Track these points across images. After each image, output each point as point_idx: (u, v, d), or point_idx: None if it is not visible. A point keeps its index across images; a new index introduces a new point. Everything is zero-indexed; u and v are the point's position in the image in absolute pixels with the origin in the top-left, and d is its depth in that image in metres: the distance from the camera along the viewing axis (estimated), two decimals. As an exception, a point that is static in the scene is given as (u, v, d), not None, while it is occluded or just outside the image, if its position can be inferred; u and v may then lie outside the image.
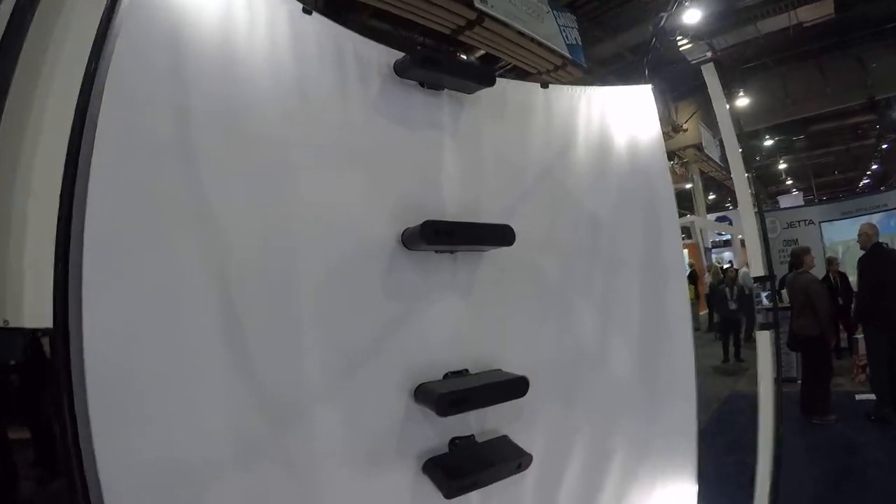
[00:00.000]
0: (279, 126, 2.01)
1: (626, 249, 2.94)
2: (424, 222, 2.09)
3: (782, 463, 2.99)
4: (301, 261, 2.00)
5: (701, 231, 18.75)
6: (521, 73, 11.42)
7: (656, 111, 3.19)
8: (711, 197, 26.59)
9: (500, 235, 2.29)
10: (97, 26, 1.63)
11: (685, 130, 16.64)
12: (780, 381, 3.07)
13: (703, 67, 3.35)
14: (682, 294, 3.05)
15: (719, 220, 23.37)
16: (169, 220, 1.72)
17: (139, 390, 1.61)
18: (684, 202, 22.47)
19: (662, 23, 3.73)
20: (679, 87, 15.60)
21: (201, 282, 1.77)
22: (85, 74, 1.59)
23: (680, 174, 19.10)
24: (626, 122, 3.06)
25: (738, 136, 3.26)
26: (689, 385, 3.03)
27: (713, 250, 21.85)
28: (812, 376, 7.08)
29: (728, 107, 3.29)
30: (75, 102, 1.57)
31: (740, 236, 22.45)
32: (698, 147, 17.35)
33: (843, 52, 14.85)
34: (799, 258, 7.31)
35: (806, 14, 11.48)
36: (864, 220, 10.61)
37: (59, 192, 1.52)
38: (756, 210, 3.11)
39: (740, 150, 3.19)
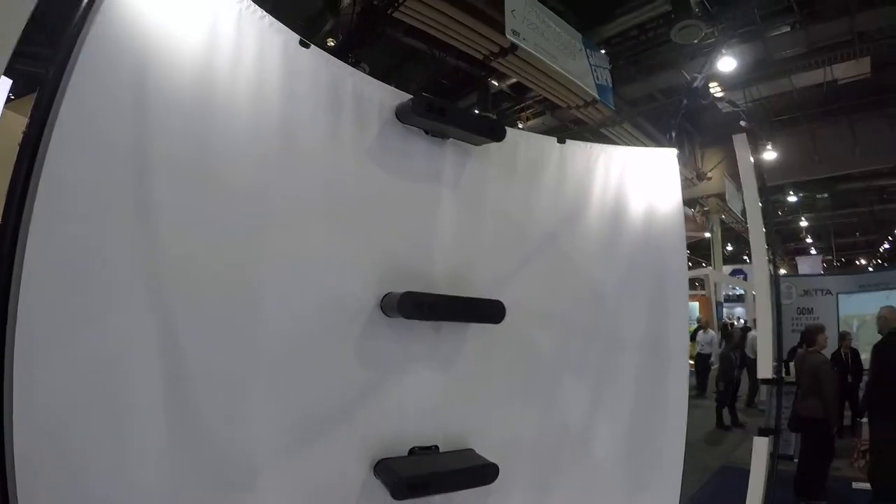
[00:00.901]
0: (256, 174, 1.83)
1: (629, 328, 2.72)
2: (403, 294, 1.92)
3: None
4: (264, 321, 1.82)
5: (715, 284, 18.47)
6: (550, 104, 11.29)
7: (679, 178, 2.98)
8: (729, 248, 26.28)
9: (489, 313, 2.12)
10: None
11: (709, 179, 16.39)
12: (773, 490, 2.83)
13: (734, 138, 3.18)
14: (682, 380, 2.83)
15: (735, 272, 23.03)
16: (117, 281, 1.55)
17: (68, 458, 1.47)
18: (701, 251, 22.20)
19: (696, 83, 3.54)
20: (707, 133, 15.40)
21: (147, 346, 1.60)
22: (34, 110, 1.42)
23: (700, 223, 18.84)
24: (645, 188, 2.83)
25: (762, 209, 3.05)
26: (675, 477, 2.80)
27: (725, 304, 21.55)
28: (810, 458, 6.81)
29: (757, 185, 3.08)
30: (19, 141, 1.40)
31: (754, 293, 22.21)
32: (721, 197, 17.08)
33: (876, 113, 14.57)
34: (812, 336, 7.03)
35: (842, 71, 11.29)
36: (882, 295, 10.31)
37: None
38: (774, 316, 2.89)
39: (766, 246, 2.97)
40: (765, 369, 2.80)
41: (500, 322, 2.11)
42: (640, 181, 2.83)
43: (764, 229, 3.01)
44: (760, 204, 3.03)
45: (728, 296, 23.24)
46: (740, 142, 3.13)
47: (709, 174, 16.36)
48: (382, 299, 2.04)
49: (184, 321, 1.66)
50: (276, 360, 1.84)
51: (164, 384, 1.62)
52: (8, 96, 4.38)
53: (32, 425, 1.39)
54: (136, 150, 1.59)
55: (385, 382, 2.09)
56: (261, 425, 1.81)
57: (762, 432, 2.80)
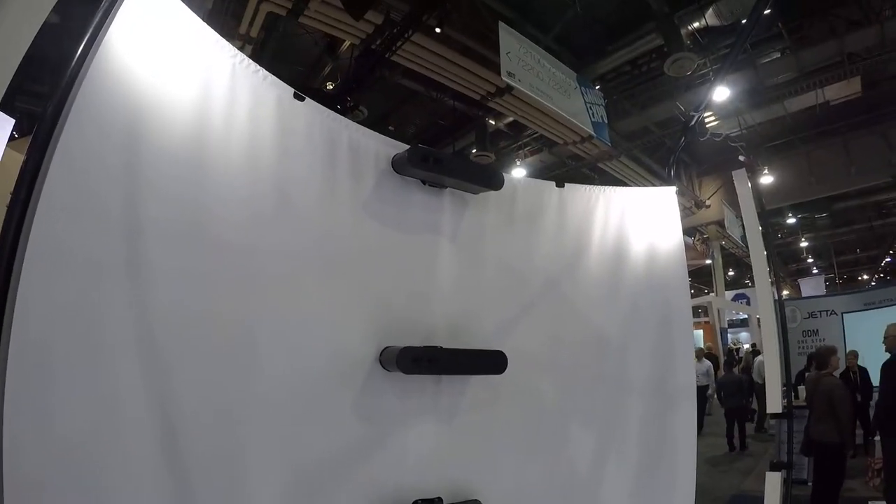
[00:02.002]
0: (250, 232, 1.81)
1: (635, 371, 2.68)
2: (402, 350, 1.89)
3: None
4: (259, 379, 1.79)
5: (718, 311, 18.37)
6: (548, 142, 11.37)
7: (679, 216, 2.97)
8: (730, 273, 26.20)
9: (491, 364, 2.08)
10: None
11: (708, 206, 16.44)
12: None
13: (734, 173, 3.19)
14: (690, 422, 2.78)
15: (737, 297, 22.93)
16: (107, 341, 1.52)
17: None
18: (703, 278, 22.10)
19: (692, 123, 3.56)
20: (704, 162, 15.48)
21: (139, 403, 1.56)
22: (21, 174, 1.40)
23: (700, 251, 18.80)
24: (645, 228, 2.82)
25: (764, 237, 3.04)
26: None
27: (730, 329, 21.37)
28: (825, 482, 6.70)
29: (756, 215, 3.07)
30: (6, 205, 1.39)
31: (758, 316, 22.11)
32: (720, 224, 17.11)
33: (869, 130, 14.66)
34: (825, 359, 6.91)
35: (833, 93, 11.39)
36: (889, 311, 10.25)
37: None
38: (780, 349, 2.85)
39: (770, 276, 2.95)
40: (774, 404, 2.75)
41: (502, 373, 2.07)
42: (641, 222, 2.82)
43: (766, 254, 2.98)
44: (761, 229, 3.01)
45: (732, 321, 23.05)
46: (740, 177, 3.14)
47: (707, 202, 16.42)
48: (381, 353, 2.00)
49: (178, 378, 1.63)
50: (272, 414, 1.80)
51: (159, 440, 1.58)
52: (11, 134, 4.38)
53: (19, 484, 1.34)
54: (127, 213, 1.57)
55: (385, 436, 2.04)
56: (259, 479, 1.76)
57: (774, 467, 2.74)
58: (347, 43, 8.45)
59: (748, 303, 21.84)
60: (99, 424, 1.49)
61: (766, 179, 14.74)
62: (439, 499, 2.10)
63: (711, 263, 19.18)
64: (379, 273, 2.09)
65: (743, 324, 24.31)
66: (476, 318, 2.27)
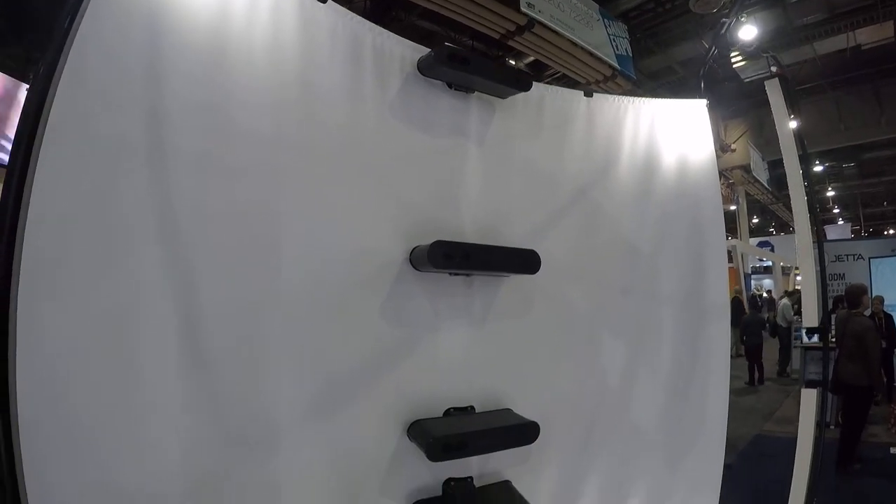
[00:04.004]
0: (275, 121, 1.75)
1: (666, 283, 2.63)
2: (434, 243, 1.82)
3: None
4: (285, 277, 1.75)
5: (742, 256, 18.18)
6: (569, 82, 11.15)
7: (710, 129, 2.87)
8: (755, 221, 25.88)
9: (524, 262, 2.02)
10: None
11: (733, 150, 16.12)
12: (821, 446, 2.71)
13: (766, 83, 3.03)
14: (723, 336, 2.74)
15: (761, 245, 22.69)
16: (126, 232, 1.49)
17: (77, 419, 1.40)
18: (727, 224, 21.87)
19: (724, 30, 3.40)
20: (730, 105, 15.12)
21: (159, 300, 1.54)
22: (42, 52, 1.36)
23: (725, 195, 18.51)
24: (676, 140, 2.74)
25: (800, 157, 2.93)
26: (719, 439, 2.72)
27: (753, 276, 21.20)
28: (850, 425, 6.65)
29: (793, 126, 2.95)
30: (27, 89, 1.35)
31: (782, 263, 21.91)
32: (746, 168, 16.78)
33: (901, 78, 14.27)
34: (857, 297, 6.72)
35: (865, 36, 10.99)
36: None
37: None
38: (815, 245, 2.76)
39: (803, 175, 2.84)
40: (810, 318, 2.68)
41: (536, 272, 2.01)
42: (671, 133, 2.73)
43: (799, 165, 2.87)
44: (796, 147, 2.89)
45: (755, 268, 22.85)
46: (773, 87, 2.99)
47: (733, 146, 16.11)
48: (411, 253, 1.95)
49: (200, 271, 1.60)
50: (298, 315, 1.76)
51: (180, 338, 1.56)
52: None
53: (37, 380, 1.34)
54: (150, 92, 1.53)
55: (416, 340, 2.00)
56: (285, 384, 1.74)
57: (810, 384, 2.68)
58: (362, -17, 8.27)
59: (772, 250, 21.63)
60: (119, 308, 1.46)
61: (793, 124, 14.37)
62: (472, 407, 2.09)
63: (736, 209, 18.94)
64: (406, 175, 2.03)
65: (766, 271, 24.09)
66: (505, 222, 2.21)
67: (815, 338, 7.59)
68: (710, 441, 2.71)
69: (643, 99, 2.75)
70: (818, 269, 2.72)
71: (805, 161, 2.93)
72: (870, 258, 12.42)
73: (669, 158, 2.71)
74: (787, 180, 2.98)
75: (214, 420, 1.61)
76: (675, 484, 2.63)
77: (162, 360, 1.53)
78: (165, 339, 1.54)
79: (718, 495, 2.72)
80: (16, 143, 1.35)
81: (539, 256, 2.01)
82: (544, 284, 2.23)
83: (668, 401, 2.61)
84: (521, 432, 1.98)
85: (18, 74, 7.60)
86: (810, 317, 2.67)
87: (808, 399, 2.69)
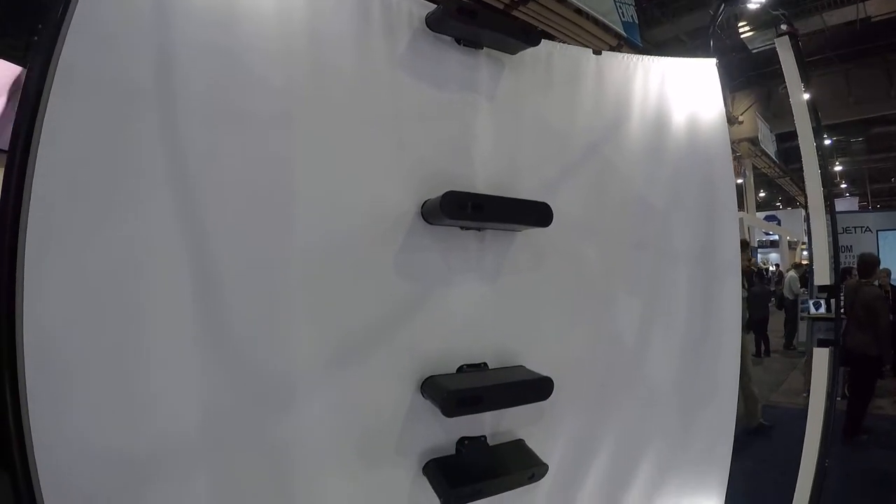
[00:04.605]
0: (282, 69, 1.73)
1: (679, 240, 2.62)
2: (446, 193, 1.79)
3: (822, 493, 2.67)
4: (297, 229, 1.73)
5: (749, 229, 18.13)
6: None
7: (720, 88, 2.86)
8: (762, 195, 25.74)
9: (537, 214, 1.99)
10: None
11: (741, 123, 15.98)
12: (834, 406, 2.71)
13: (777, 41, 2.99)
14: (735, 294, 2.74)
15: (768, 219, 22.57)
16: (137, 177, 1.48)
17: (86, 369, 1.40)
18: (733, 196, 21.75)
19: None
20: (737, 76, 14.99)
21: (170, 248, 1.52)
22: (50, 5, 1.35)
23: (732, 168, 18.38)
24: (686, 98, 2.72)
25: (811, 115, 2.89)
26: (731, 398, 2.74)
27: (759, 250, 21.15)
28: (858, 395, 6.65)
29: (805, 92, 2.91)
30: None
31: (789, 238, 21.83)
32: (753, 141, 16.67)
33: (912, 52, 14.12)
34: (870, 267, 6.71)
35: (875, 8, 10.90)
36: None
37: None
38: (827, 208, 2.74)
39: (814, 132, 2.81)
40: (822, 276, 2.65)
41: (548, 225, 1.99)
42: (681, 91, 2.71)
43: (811, 122, 2.83)
44: (809, 110, 2.85)
45: (762, 241, 22.77)
46: (783, 45, 2.95)
47: (740, 118, 15.98)
48: (423, 206, 1.93)
49: (210, 223, 1.58)
50: (311, 267, 1.75)
51: (192, 290, 1.55)
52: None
53: (45, 333, 1.33)
54: (159, 32, 1.51)
55: (428, 295, 1.98)
56: (297, 340, 1.72)
57: (822, 343, 2.67)
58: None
59: (779, 224, 21.55)
60: (130, 256, 1.45)
61: (806, 95, 14.21)
62: (484, 364, 2.08)
63: (743, 182, 18.85)
64: (417, 129, 2.00)
65: (773, 245, 24.04)
66: (517, 177, 2.18)
67: (822, 308, 7.58)
68: (723, 399, 2.72)
69: (652, 57, 2.73)
70: (829, 220, 2.68)
71: (816, 119, 2.89)
72: (878, 231, 12.38)
73: (680, 116, 2.69)
74: (799, 140, 2.96)
75: (227, 376, 1.60)
76: (688, 442, 2.64)
77: (172, 317, 1.52)
78: (178, 290, 1.53)
79: (731, 453, 2.74)
80: (24, 91, 1.34)
81: (551, 209, 1.99)
82: (556, 240, 2.21)
83: (681, 358, 2.61)
84: (536, 387, 1.96)
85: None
86: (822, 275, 2.65)
87: (821, 359, 2.68)
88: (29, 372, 1.31)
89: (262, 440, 1.67)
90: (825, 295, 2.77)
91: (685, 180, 2.64)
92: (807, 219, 14.32)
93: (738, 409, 2.75)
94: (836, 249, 2.67)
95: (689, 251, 2.63)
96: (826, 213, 2.64)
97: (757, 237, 20.74)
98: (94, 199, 1.41)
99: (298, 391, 1.73)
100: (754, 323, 11.40)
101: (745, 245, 6.99)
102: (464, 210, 1.79)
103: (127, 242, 1.46)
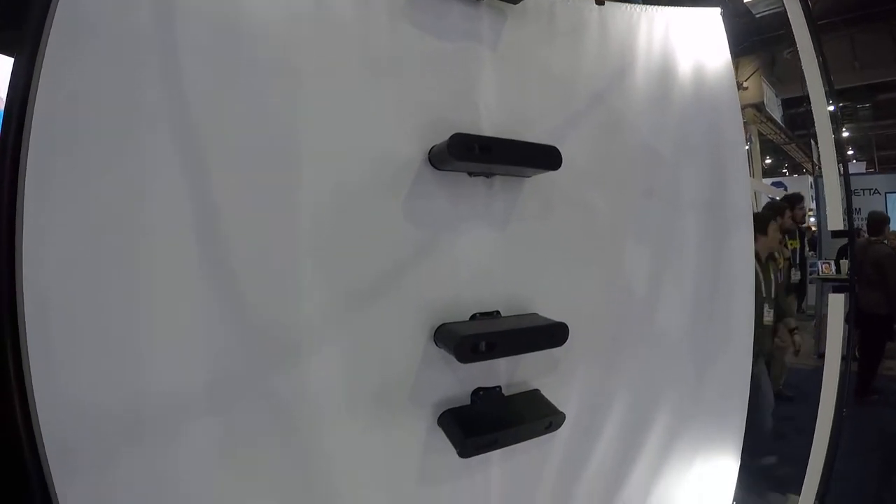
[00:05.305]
0: (283, 19, 1.71)
1: (688, 189, 2.59)
2: (454, 134, 1.76)
3: (839, 444, 2.67)
4: (302, 176, 1.71)
5: (755, 195, 18.02)
6: None
7: (726, 38, 2.82)
8: (767, 161, 25.56)
9: (545, 157, 1.95)
10: None
11: (745, 89, 15.81)
12: (850, 354, 2.69)
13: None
14: (747, 244, 2.72)
15: (775, 185, 22.44)
16: (136, 119, 1.45)
17: (87, 316, 1.38)
18: (739, 166, 21.60)
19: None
20: (741, 41, 14.80)
21: (173, 194, 1.50)
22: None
23: (737, 134, 18.25)
24: (691, 48, 2.69)
25: (820, 61, 2.84)
26: (745, 348, 2.73)
27: (765, 218, 21.03)
28: (868, 356, 6.61)
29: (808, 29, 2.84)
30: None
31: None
32: (758, 107, 16.51)
33: (920, 16, 13.91)
34: (879, 225, 6.62)
35: (881, -29, 10.73)
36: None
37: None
38: (838, 153, 2.70)
39: (823, 78, 2.76)
40: (835, 221, 2.62)
41: (558, 168, 1.96)
42: (686, 40, 2.68)
43: (819, 66, 2.78)
44: (818, 56, 2.80)
45: (767, 207, 22.66)
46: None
47: (745, 83, 15.81)
48: (430, 151, 1.91)
49: (214, 170, 1.56)
50: (319, 214, 1.73)
51: (195, 240, 1.53)
52: None
53: (46, 274, 1.32)
54: None
55: (438, 243, 1.95)
56: (305, 288, 1.70)
57: (837, 289, 2.64)
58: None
59: (785, 190, 21.40)
60: (131, 196, 1.44)
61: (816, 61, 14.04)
62: (497, 312, 2.06)
63: (749, 148, 18.71)
64: (422, 77, 1.97)
65: (779, 212, 23.86)
66: (524, 124, 2.15)
67: (833, 269, 7.52)
68: (737, 351, 2.72)
69: (655, 7, 2.68)
70: (839, 160, 2.64)
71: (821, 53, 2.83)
72: (886, 193, 12.31)
73: (685, 65, 2.66)
74: (808, 90, 2.91)
75: (232, 326, 1.59)
76: (703, 393, 2.64)
77: (177, 259, 1.51)
78: (181, 237, 1.51)
79: (746, 404, 2.74)
80: (23, 34, 1.32)
81: (560, 153, 1.96)
82: (565, 187, 2.20)
83: (693, 309, 2.60)
84: (551, 333, 1.93)
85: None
86: (835, 219, 2.62)
87: (836, 305, 2.66)
88: (29, 316, 1.30)
89: (269, 392, 1.65)
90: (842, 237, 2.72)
91: (693, 129, 2.62)
92: (814, 182, 14.25)
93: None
94: (848, 192, 2.64)
95: (699, 200, 2.61)
96: (838, 163, 2.59)
97: (763, 203, 20.63)
98: (95, 140, 1.39)
99: (307, 342, 1.72)
100: None
101: (797, 200, 6.78)
102: (472, 151, 1.77)
103: (128, 185, 1.44)
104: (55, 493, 1.33)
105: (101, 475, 1.40)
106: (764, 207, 6.28)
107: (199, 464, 1.55)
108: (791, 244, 6.25)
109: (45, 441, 1.32)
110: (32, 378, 1.30)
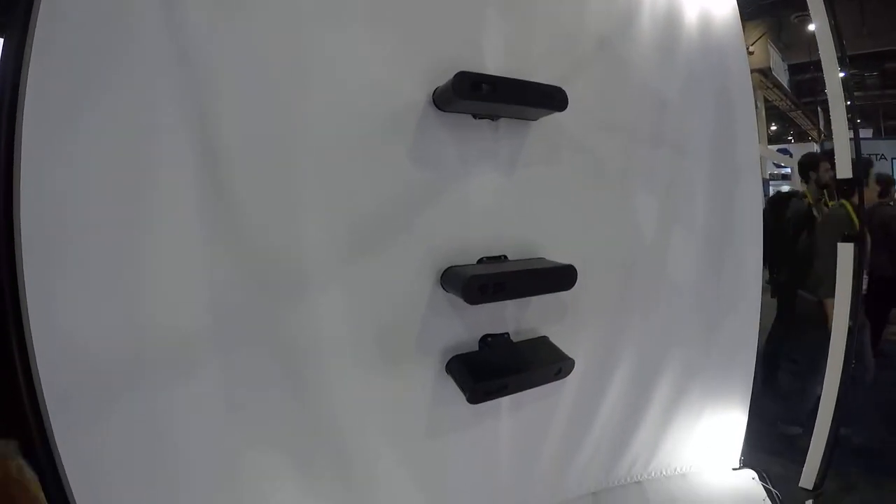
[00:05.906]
0: None
1: (695, 138, 2.55)
2: (458, 73, 1.72)
3: (847, 389, 2.67)
4: (306, 116, 1.68)
5: (761, 160, 17.87)
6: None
7: None
8: (773, 128, 25.34)
9: (551, 98, 1.91)
10: None
11: (751, 53, 15.61)
12: (859, 304, 2.66)
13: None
14: (756, 196, 2.70)
15: (780, 152, 22.29)
16: (138, 52, 1.43)
17: (88, 252, 1.37)
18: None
19: None
20: (748, 5, 14.59)
21: (176, 130, 1.48)
22: None
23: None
24: None
25: (832, 24, 2.79)
26: (754, 295, 2.72)
27: (771, 182, 20.88)
28: (876, 320, 6.54)
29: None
30: None
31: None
32: (764, 73, 16.31)
33: (929, -17, 13.67)
34: (886, 186, 6.54)
35: (891, -66, 10.50)
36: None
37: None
38: (847, 95, 2.66)
39: (835, 42, 2.70)
40: (844, 169, 2.58)
41: (564, 109, 1.93)
42: None
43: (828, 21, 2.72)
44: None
45: (773, 174, 22.46)
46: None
47: (751, 48, 15.62)
48: (434, 92, 1.87)
49: (219, 107, 1.54)
50: (325, 155, 1.70)
51: (199, 178, 1.52)
52: None
53: (46, 211, 1.31)
54: None
55: (444, 185, 1.92)
56: (310, 229, 1.69)
57: (846, 239, 2.62)
58: None
59: (791, 157, 21.26)
60: (133, 130, 1.42)
61: (813, 27, 13.89)
62: (504, 256, 2.04)
63: (755, 115, 18.56)
64: (424, 20, 1.92)
65: (784, 178, 23.73)
66: (528, 65, 2.09)
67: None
68: (746, 305, 2.71)
69: None
70: (851, 122, 2.60)
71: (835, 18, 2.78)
72: (892, 158, 12.21)
73: (692, 14, 2.60)
74: (817, 41, 2.86)
75: (237, 266, 1.58)
76: (711, 348, 2.64)
77: (181, 196, 1.49)
78: (185, 174, 1.50)
79: (755, 355, 2.73)
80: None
81: (566, 94, 1.93)
82: (572, 131, 2.17)
83: (702, 259, 2.59)
84: (559, 275, 1.92)
85: None
86: (844, 168, 2.58)
87: (845, 254, 2.63)
88: (26, 252, 1.29)
89: (273, 334, 1.65)
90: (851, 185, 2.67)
91: (700, 79, 2.57)
92: (820, 149, 14.13)
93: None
94: (857, 140, 2.60)
95: (706, 149, 2.58)
96: (846, 107, 2.55)
97: (769, 170, 20.48)
98: (94, 72, 1.37)
99: (312, 283, 1.70)
100: None
101: (890, 182, 6.63)
102: (477, 90, 1.73)
103: (129, 119, 1.42)
104: (55, 443, 1.33)
105: (100, 422, 1.40)
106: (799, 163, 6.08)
107: (200, 409, 1.55)
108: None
109: (44, 388, 1.31)
110: (30, 319, 1.29)
